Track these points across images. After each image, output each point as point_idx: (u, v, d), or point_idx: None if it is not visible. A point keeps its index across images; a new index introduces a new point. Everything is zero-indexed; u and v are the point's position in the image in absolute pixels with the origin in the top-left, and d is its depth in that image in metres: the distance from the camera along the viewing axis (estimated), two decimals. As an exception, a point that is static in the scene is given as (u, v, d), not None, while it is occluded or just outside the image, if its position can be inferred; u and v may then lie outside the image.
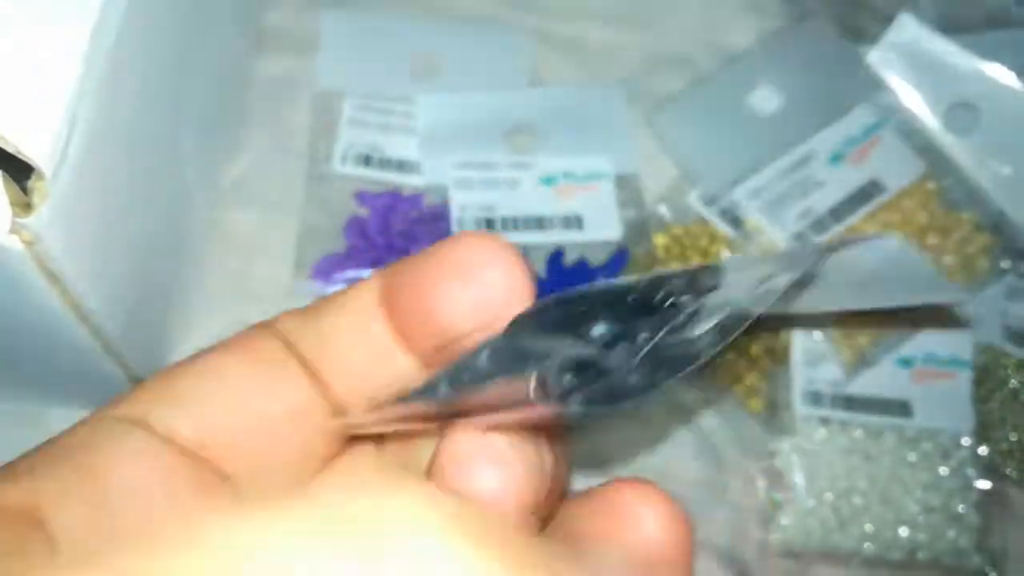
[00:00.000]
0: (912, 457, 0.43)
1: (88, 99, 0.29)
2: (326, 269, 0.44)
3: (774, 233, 0.45)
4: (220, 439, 0.21)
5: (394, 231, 0.45)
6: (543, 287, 0.43)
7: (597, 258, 0.44)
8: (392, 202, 0.45)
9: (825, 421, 0.44)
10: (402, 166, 0.46)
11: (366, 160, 0.46)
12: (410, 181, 0.46)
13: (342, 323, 0.23)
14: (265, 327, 0.23)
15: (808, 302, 0.27)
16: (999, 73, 0.47)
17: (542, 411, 0.19)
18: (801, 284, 0.24)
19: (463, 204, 0.44)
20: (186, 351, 0.43)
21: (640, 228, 0.45)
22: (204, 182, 0.44)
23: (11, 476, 0.19)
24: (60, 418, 0.41)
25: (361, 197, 0.46)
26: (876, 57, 0.48)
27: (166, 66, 0.36)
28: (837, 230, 0.45)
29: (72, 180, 0.28)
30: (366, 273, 0.44)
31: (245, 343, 0.22)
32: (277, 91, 0.48)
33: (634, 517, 0.21)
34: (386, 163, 0.46)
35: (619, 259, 0.44)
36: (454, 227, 0.44)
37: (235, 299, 0.44)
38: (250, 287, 0.45)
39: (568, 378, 0.20)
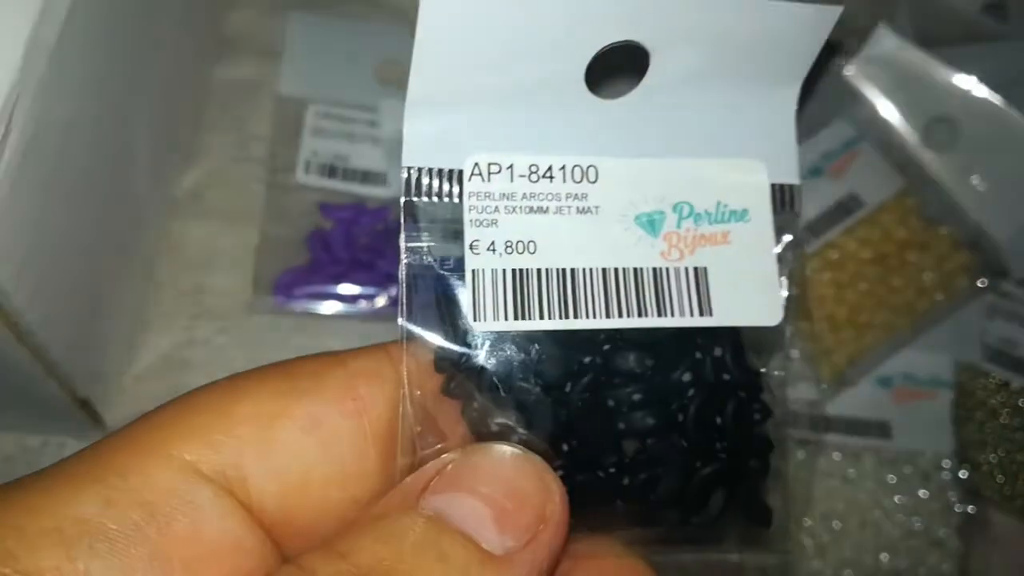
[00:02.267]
0: (892, 479, 0.42)
1: (26, 97, 0.27)
2: (287, 284, 0.42)
3: (751, 249, 0.44)
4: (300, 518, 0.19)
5: (358, 245, 0.43)
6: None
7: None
8: (356, 214, 0.44)
9: (803, 443, 0.43)
10: (367, 177, 0.44)
11: (330, 170, 0.44)
12: (375, 193, 0.44)
13: None
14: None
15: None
16: (977, 87, 0.46)
17: None
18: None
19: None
20: (137, 372, 0.41)
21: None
22: (157, 191, 0.42)
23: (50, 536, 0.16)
24: (5, 443, 0.39)
25: (324, 209, 0.44)
26: (853, 71, 0.47)
27: (114, 66, 0.34)
28: (816, 245, 0.44)
29: (7, 184, 0.26)
30: (328, 288, 0.43)
31: None
32: (237, 97, 0.46)
33: None
34: (350, 173, 0.44)
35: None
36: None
37: (189, 316, 0.42)
38: (205, 303, 0.42)
39: None
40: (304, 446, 0.19)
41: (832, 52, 0.48)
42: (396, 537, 0.17)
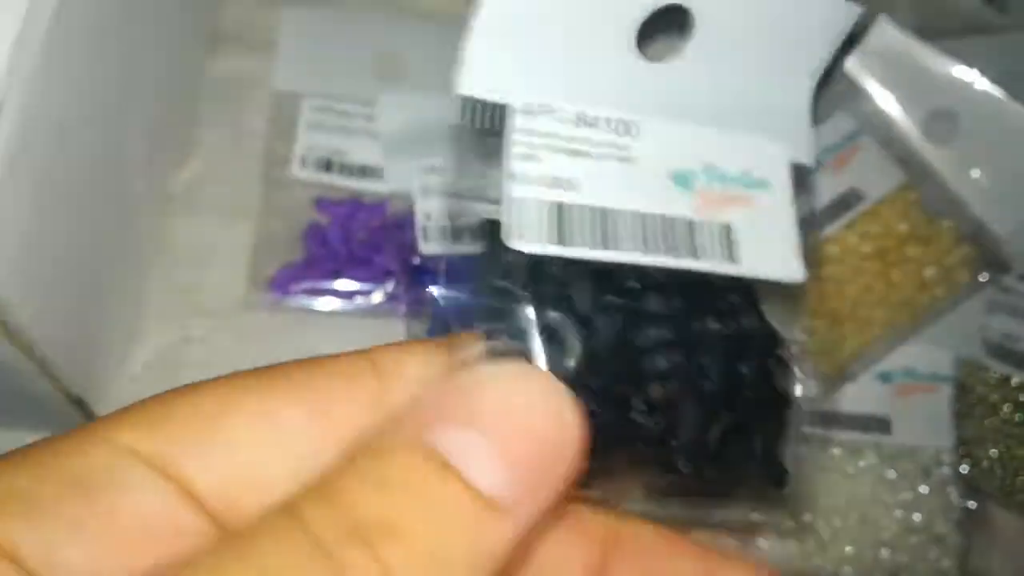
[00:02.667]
0: (892, 475, 0.42)
1: (18, 86, 0.26)
2: (284, 280, 0.42)
3: (751, 243, 0.43)
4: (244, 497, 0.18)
5: (356, 240, 0.43)
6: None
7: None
8: (353, 210, 0.43)
9: (803, 438, 0.42)
10: (364, 171, 0.44)
11: (326, 165, 0.44)
12: (372, 187, 0.44)
13: None
14: None
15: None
16: (978, 80, 0.46)
17: None
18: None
19: (428, 212, 0.42)
20: (133, 370, 0.41)
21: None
22: (152, 186, 0.42)
23: None
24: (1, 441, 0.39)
25: (321, 204, 0.43)
26: (854, 63, 0.46)
27: (106, 62, 0.33)
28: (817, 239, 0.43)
29: (-2, 181, 0.26)
30: (325, 284, 0.42)
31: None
32: (232, 91, 0.46)
33: None
34: (347, 168, 0.44)
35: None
36: (419, 236, 0.42)
37: (184, 313, 0.42)
38: (201, 300, 0.42)
39: None
40: (253, 438, 0.18)
41: (848, 48, 0.48)
42: (392, 482, 0.15)
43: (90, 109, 0.33)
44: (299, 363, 0.19)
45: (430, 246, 0.42)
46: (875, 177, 0.45)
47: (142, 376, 0.40)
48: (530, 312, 0.19)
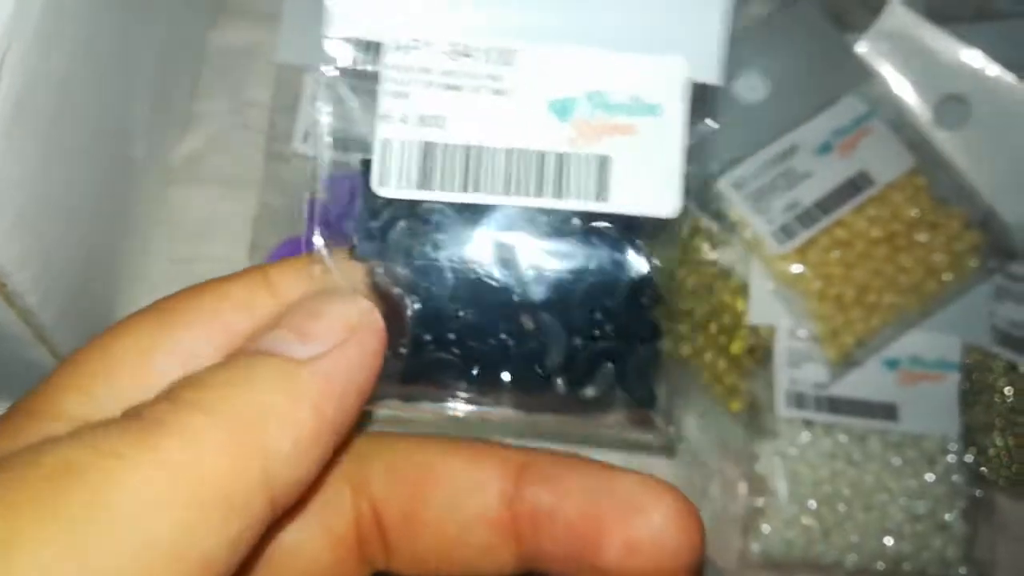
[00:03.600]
0: (897, 462, 0.42)
1: (18, 47, 0.26)
2: (285, 254, 0.41)
3: (758, 226, 0.43)
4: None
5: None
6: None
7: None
8: (357, 184, 0.42)
9: (808, 424, 0.42)
10: (368, 147, 0.43)
11: (329, 139, 0.43)
12: (376, 163, 0.43)
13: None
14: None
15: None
16: (990, 66, 0.45)
17: None
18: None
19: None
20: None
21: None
22: (154, 158, 0.41)
23: None
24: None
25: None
26: (865, 46, 0.46)
27: (109, 27, 0.33)
28: (824, 223, 0.43)
29: (-3, 140, 0.25)
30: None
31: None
32: (236, 63, 0.45)
33: (641, 508, 0.20)
34: (351, 143, 0.43)
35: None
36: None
37: (184, 284, 0.41)
38: (201, 273, 0.41)
39: None
40: (177, 377, 0.19)
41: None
42: (217, 371, 0.18)
43: (92, 75, 0.32)
44: (208, 292, 0.21)
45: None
46: (884, 161, 0.44)
47: (140, 348, 0.39)
48: (398, 248, 0.21)
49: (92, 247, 0.35)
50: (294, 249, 0.41)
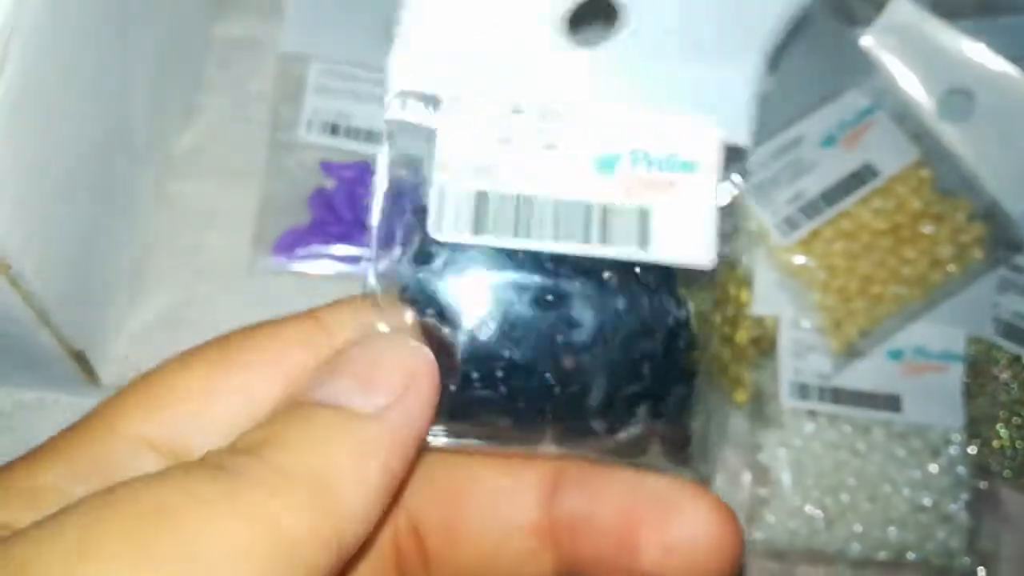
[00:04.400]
0: (901, 453, 0.42)
1: (21, 33, 0.26)
2: (289, 244, 0.41)
3: (763, 217, 0.43)
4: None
5: (362, 205, 0.42)
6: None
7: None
8: (360, 174, 0.42)
9: (812, 414, 0.42)
10: (371, 136, 0.43)
11: (332, 128, 0.43)
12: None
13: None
14: None
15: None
16: (995, 59, 0.45)
17: None
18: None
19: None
20: (134, 330, 0.40)
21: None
22: (156, 147, 0.41)
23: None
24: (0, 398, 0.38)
25: (326, 167, 0.43)
26: (870, 40, 0.46)
27: (112, 16, 0.33)
28: (829, 214, 0.43)
29: (1, 121, 0.25)
30: (330, 248, 0.41)
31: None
32: (238, 53, 0.45)
33: (678, 510, 0.21)
34: (354, 132, 0.43)
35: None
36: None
37: (187, 275, 0.41)
38: (204, 262, 0.41)
39: None
40: (237, 414, 0.20)
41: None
42: (275, 421, 0.19)
43: (95, 63, 0.32)
44: (264, 333, 0.21)
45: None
46: (889, 153, 0.44)
47: (142, 336, 0.39)
48: (449, 290, 0.22)
49: (95, 235, 0.35)
50: (296, 239, 0.41)
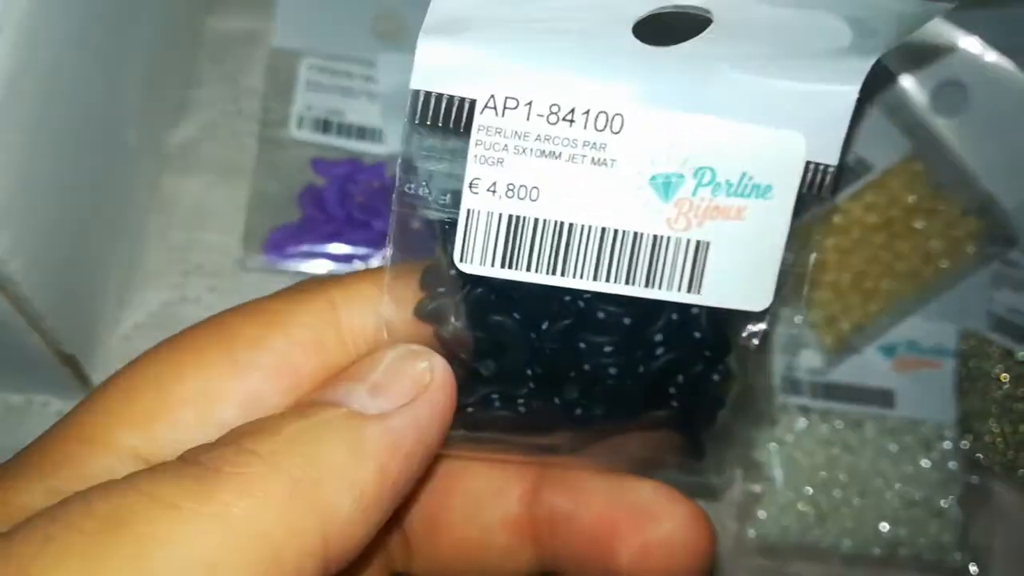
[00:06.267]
0: (893, 449, 0.42)
1: (7, 35, 0.25)
2: (279, 242, 0.41)
3: (756, 212, 0.43)
4: None
5: (353, 202, 0.42)
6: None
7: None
8: (351, 171, 0.42)
9: (805, 410, 0.42)
10: (363, 133, 0.43)
11: (324, 125, 0.43)
12: (372, 149, 0.43)
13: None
14: None
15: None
16: (988, 52, 0.45)
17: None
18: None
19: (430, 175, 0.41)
20: (126, 330, 0.40)
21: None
22: (147, 144, 0.41)
23: None
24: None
25: (317, 165, 0.42)
26: (863, 32, 0.46)
27: (100, 12, 0.32)
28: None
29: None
30: (321, 246, 0.41)
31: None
32: (229, 49, 0.45)
33: (656, 515, 0.21)
34: (345, 129, 0.43)
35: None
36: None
37: (178, 272, 0.41)
38: (195, 260, 0.41)
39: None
40: (237, 421, 0.18)
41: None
42: (282, 421, 0.17)
43: (82, 62, 0.32)
44: (263, 324, 0.20)
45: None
46: (881, 147, 0.44)
47: (134, 336, 0.39)
48: (472, 308, 0.20)
49: (85, 234, 0.35)
50: (288, 236, 0.41)
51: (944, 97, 0.45)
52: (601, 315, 0.20)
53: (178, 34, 0.43)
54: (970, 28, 0.45)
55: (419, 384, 0.18)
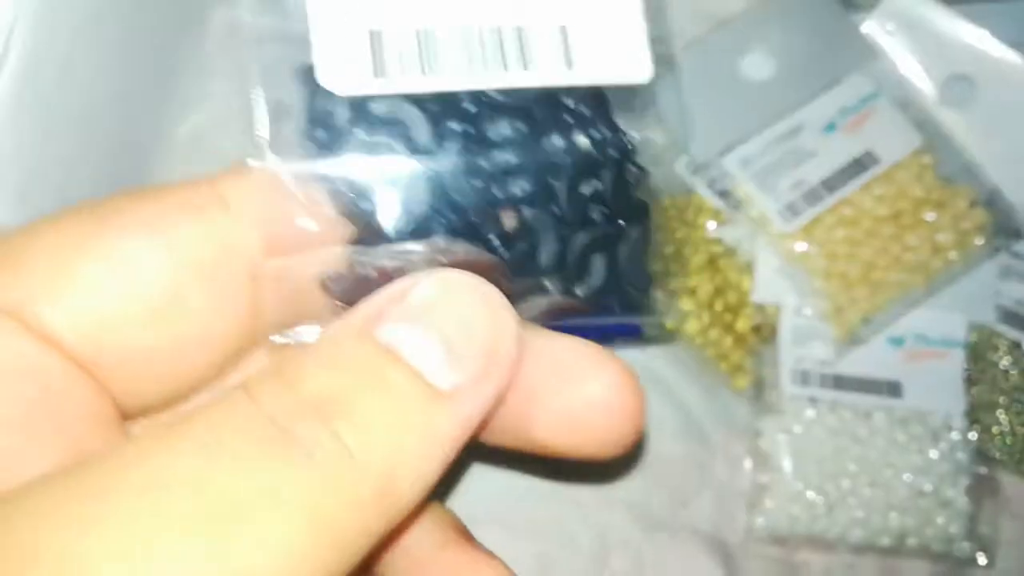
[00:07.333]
0: (902, 439, 0.42)
1: (23, 25, 0.26)
2: (290, 231, 0.41)
3: (765, 204, 0.43)
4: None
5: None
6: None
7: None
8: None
9: (813, 401, 0.42)
10: (373, 124, 0.43)
11: (335, 116, 0.43)
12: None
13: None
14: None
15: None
16: (997, 45, 0.45)
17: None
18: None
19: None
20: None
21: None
22: (157, 134, 0.41)
23: None
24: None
25: (329, 155, 0.43)
26: (872, 25, 0.46)
27: (116, 5, 0.33)
28: (830, 201, 0.43)
29: (3, 111, 0.25)
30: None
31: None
32: (240, 41, 0.45)
33: (578, 377, 0.18)
34: (356, 120, 0.43)
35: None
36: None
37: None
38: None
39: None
40: (104, 282, 0.17)
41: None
42: (345, 366, 0.16)
43: (95, 53, 0.32)
44: (150, 196, 0.18)
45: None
46: (890, 140, 0.44)
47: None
48: (360, 159, 0.18)
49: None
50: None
51: (952, 90, 0.45)
52: (493, 127, 0.19)
53: (188, 26, 0.43)
54: (978, 21, 0.46)
55: (493, 351, 0.17)
